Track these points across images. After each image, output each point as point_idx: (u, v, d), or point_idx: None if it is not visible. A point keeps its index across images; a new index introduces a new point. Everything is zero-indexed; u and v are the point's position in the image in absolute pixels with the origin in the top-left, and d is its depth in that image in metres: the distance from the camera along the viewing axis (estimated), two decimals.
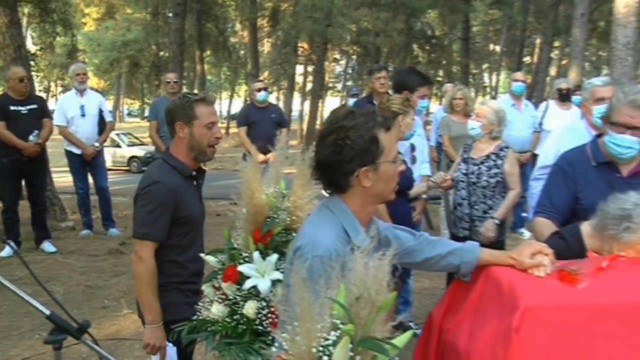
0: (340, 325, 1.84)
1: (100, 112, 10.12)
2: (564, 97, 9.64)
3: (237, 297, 3.06)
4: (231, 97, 55.74)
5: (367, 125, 2.52)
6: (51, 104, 11.54)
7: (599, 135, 4.15)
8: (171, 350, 3.53)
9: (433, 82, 5.11)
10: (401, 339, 1.91)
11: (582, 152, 4.12)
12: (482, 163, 5.69)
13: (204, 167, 3.93)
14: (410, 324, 6.17)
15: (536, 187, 5.14)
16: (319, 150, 2.56)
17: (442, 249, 3.00)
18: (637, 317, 2.67)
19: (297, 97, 41.50)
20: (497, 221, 5.61)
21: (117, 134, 29.31)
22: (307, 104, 36.97)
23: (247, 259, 3.09)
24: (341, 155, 2.49)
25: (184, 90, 23.24)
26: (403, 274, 5.55)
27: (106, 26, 33.36)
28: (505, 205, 5.65)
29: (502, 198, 5.67)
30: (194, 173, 3.76)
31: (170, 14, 18.62)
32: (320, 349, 1.82)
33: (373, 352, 1.85)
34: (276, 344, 2.01)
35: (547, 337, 2.59)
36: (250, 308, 3.00)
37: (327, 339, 1.83)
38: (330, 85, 45.15)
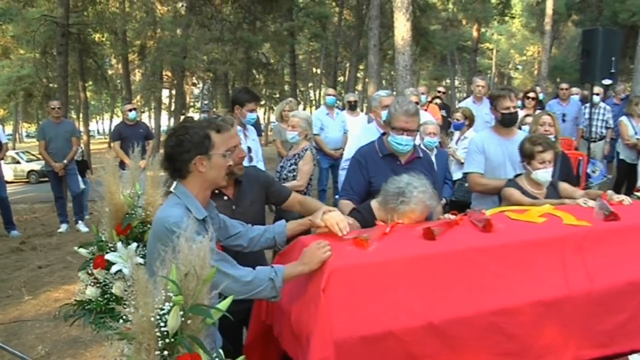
0: (173, 297, 1.80)
1: None
2: (352, 106, 10.07)
3: (107, 280, 2.99)
4: (111, 117, 54.05)
5: (202, 125, 2.67)
6: None
7: (384, 134, 4.30)
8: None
9: (260, 99, 5.08)
10: (223, 304, 1.89)
11: (372, 147, 4.28)
12: (289, 160, 5.68)
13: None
14: None
15: (343, 175, 5.25)
16: (166, 144, 2.66)
17: (259, 229, 3.11)
18: (414, 268, 2.77)
19: (164, 115, 40.44)
20: None
21: (17, 152, 28.67)
22: (172, 120, 36.36)
23: (112, 249, 3.03)
24: (182, 147, 2.59)
25: (69, 114, 22.27)
26: None
27: (2, 65, 31.33)
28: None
29: None
30: (217, 191, 3.37)
31: (56, 53, 17.63)
32: (158, 317, 1.78)
33: (201, 316, 1.82)
34: (123, 317, 1.94)
35: (347, 292, 2.63)
36: (117, 288, 2.96)
37: (162, 309, 1.79)
38: (191, 104, 44.49)
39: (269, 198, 3.72)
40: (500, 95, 4.89)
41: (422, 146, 6.19)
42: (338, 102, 11.42)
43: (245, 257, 3.00)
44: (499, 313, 2.77)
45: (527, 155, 4.20)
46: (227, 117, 3.62)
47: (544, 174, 4.13)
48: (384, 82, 36.75)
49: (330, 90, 10.47)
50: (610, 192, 3.82)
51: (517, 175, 4.43)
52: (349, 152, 5.52)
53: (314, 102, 47.78)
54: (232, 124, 3.40)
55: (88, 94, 31.45)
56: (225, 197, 3.47)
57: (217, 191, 3.41)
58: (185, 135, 2.60)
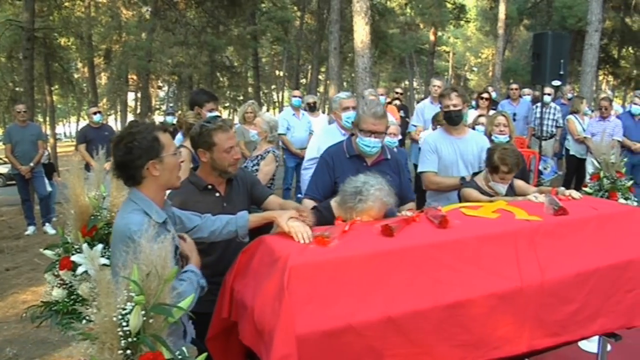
0: (134, 297, 1.76)
1: None
2: (312, 108, 10.05)
3: (73, 281, 2.94)
4: (77, 121, 52.96)
5: (149, 128, 2.56)
6: None
7: (352, 135, 4.27)
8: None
9: (218, 98, 4.96)
10: (185, 303, 1.86)
11: (340, 147, 4.24)
12: (252, 161, 5.63)
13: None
14: None
15: (306, 175, 5.23)
16: (115, 153, 2.56)
17: (221, 222, 3.04)
18: (373, 264, 2.77)
19: (130, 118, 39.83)
20: None
21: None
22: None
23: (78, 250, 2.97)
24: (132, 155, 2.50)
25: (36, 118, 21.85)
26: None
27: None
28: None
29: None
30: (210, 186, 3.51)
31: (21, 57, 17.23)
32: (120, 317, 1.75)
33: (163, 315, 1.79)
34: (86, 317, 1.89)
35: (308, 288, 2.61)
36: (83, 289, 2.89)
37: (124, 309, 1.76)
38: (157, 107, 43.98)
39: (252, 197, 3.78)
40: (442, 94, 5.03)
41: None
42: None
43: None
44: (455, 306, 2.79)
45: (492, 166, 4.16)
46: (226, 119, 3.70)
47: (501, 188, 4.18)
48: (344, 83, 36.79)
49: (296, 92, 10.45)
50: (561, 188, 3.89)
51: (475, 174, 4.47)
52: (310, 152, 5.50)
53: (277, 104, 47.67)
54: (230, 125, 3.52)
55: (54, 97, 30.80)
56: (217, 194, 3.55)
57: (210, 187, 3.51)
58: (133, 142, 2.51)
